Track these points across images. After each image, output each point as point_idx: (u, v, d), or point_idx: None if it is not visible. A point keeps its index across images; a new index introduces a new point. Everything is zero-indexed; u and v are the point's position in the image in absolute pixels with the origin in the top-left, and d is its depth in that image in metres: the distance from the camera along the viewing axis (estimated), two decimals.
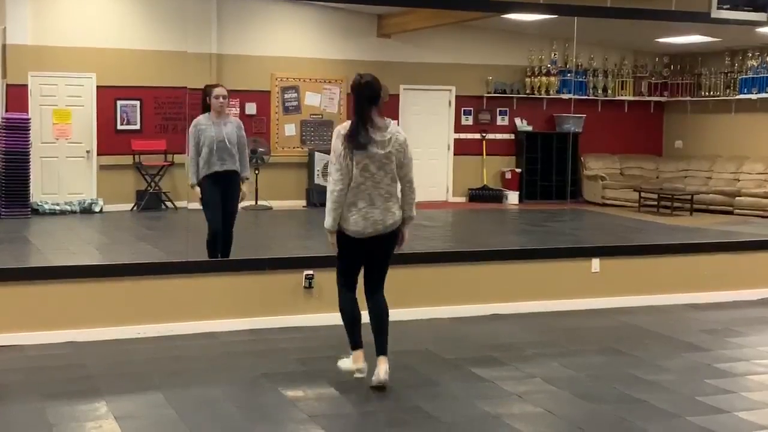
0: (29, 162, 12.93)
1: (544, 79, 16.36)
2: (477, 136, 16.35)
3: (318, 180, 14.71)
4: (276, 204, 14.35)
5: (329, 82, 15.22)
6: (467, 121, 16.31)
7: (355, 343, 5.32)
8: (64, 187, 13.74)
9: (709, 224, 13.30)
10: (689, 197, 14.97)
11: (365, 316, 5.40)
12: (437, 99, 16.08)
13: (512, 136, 16.60)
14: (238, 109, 14.17)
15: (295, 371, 5.65)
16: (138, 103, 14.12)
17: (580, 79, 16.70)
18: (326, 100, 15.29)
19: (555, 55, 16.47)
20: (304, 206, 14.96)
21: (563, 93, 16.49)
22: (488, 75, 16.19)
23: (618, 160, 17.04)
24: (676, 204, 14.90)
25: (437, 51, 15.65)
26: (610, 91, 16.94)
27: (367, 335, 5.34)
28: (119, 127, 14.07)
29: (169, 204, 14.14)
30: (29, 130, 12.95)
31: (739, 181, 15.50)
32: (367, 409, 5.03)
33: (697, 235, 11.79)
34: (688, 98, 16.80)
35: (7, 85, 13.31)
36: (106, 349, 6.11)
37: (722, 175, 15.89)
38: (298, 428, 4.68)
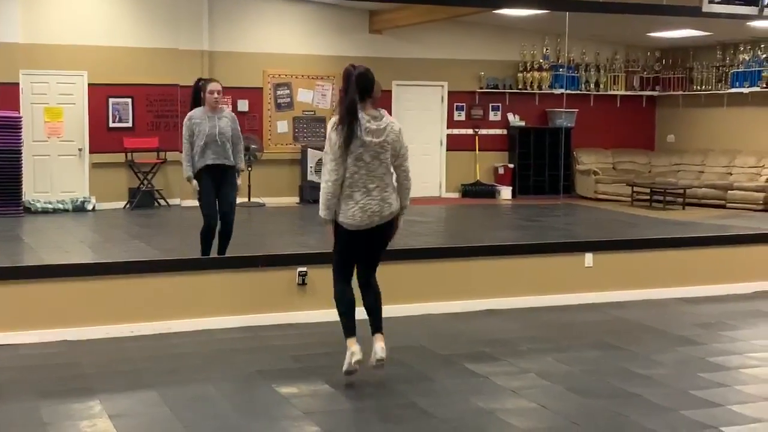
0: (21, 160, 12.89)
1: (536, 74, 16.37)
2: (470, 131, 16.36)
3: (311, 177, 14.70)
4: (269, 201, 14.33)
5: (321, 78, 15.21)
6: (460, 116, 16.31)
7: (350, 330, 5.30)
8: (57, 185, 13.70)
9: (702, 218, 13.33)
10: (682, 191, 15.00)
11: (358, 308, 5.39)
12: (430, 95, 16.07)
13: (505, 132, 16.61)
14: (230, 105, 14.13)
15: (289, 368, 5.65)
16: (130, 100, 14.08)
17: (572, 74, 16.71)
18: (319, 97, 15.28)
19: (547, 50, 16.47)
20: (297, 203, 14.95)
21: (555, 88, 16.50)
22: (480, 70, 16.19)
23: (610, 154, 17.07)
24: (668, 198, 14.93)
25: (429, 47, 15.65)
26: (602, 86, 16.95)
27: (363, 331, 5.34)
28: (111, 124, 14.03)
29: (162, 202, 14.11)
30: (21, 128, 12.91)
31: (731, 174, 15.53)
32: (362, 405, 5.03)
33: (689, 229, 11.82)
34: (680, 92, 16.83)
35: None
36: (100, 347, 6.10)
37: (714, 168, 15.93)
38: (292, 425, 4.68)
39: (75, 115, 13.84)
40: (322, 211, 5.24)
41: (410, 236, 10.09)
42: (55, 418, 4.69)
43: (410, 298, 7.01)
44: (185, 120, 7.90)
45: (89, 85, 13.80)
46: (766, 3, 8.60)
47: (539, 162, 16.40)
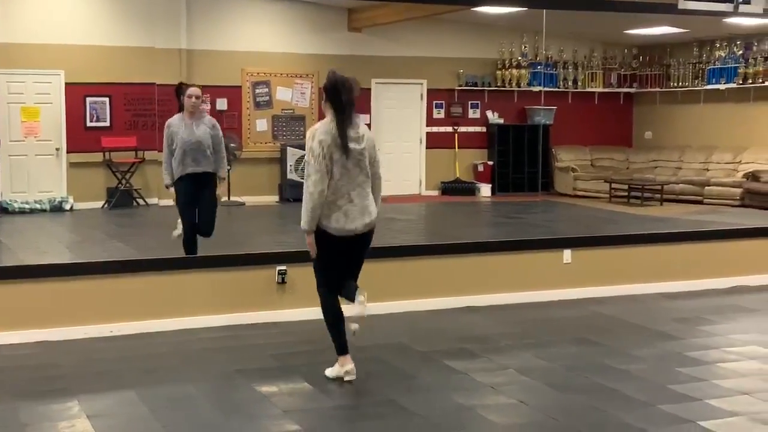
0: None
1: (514, 71, 16.42)
2: (449, 129, 16.38)
3: (291, 175, 14.69)
4: (248, 199, 14.31)
5: (300, 76, 15.19)
6: (439, 114, 16.33)
7: (343, 347, 5.29)
8: (34, 185, 13.62)
9: (679, 214, 13.42)
10: (659, 187, 15.09)
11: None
12: (409, 92, 16.08)
13: (484, 129, 16.65)
14: (209, 104, 14.09)
15: (269, 367, 5.65)
16: (107, 99, 14.00)
17: (551, 72, 16.77)
18: (297, 95, 15.25)
19: (525, 47, 16.52)
20: (276, 201, 14.93)
21: (534, 85, 16.55)
22: (459, 68, 16.22)
23: (589, 151, 17.15)
24: (646, 194, 15.02)
25: (408, 44, 15.66)
26: (580, 83, 17.03)
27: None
28: (89, 124, 13.96)
29: (140, 201, 14.05)
30: None
31: (708, 170, 15.65)
32: (342, 403, 5.04)
33: (667, 224, 11.88)
34: (657, 89, 16.93)
35: None
36: (78, 348, 6.07)
37: (692, 165, 16.04)
38: (272, 423, 4.67)
39: (52, 114, 13.76)
40: (306, 223, 5.14)
41: (390, 234, 10.10)
42: (33, 419, 4.66)
43: (390, 295, 7.01)
44: (165, 127, 7.83)
45: (66, 84, 13.72)
46: (740, 0, 8.66)
47: (518, 159, 16.46)
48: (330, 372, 5.35)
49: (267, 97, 15.10)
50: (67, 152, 13.85)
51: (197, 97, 7.74)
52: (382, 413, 4.81)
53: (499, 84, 16.47)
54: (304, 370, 5.46)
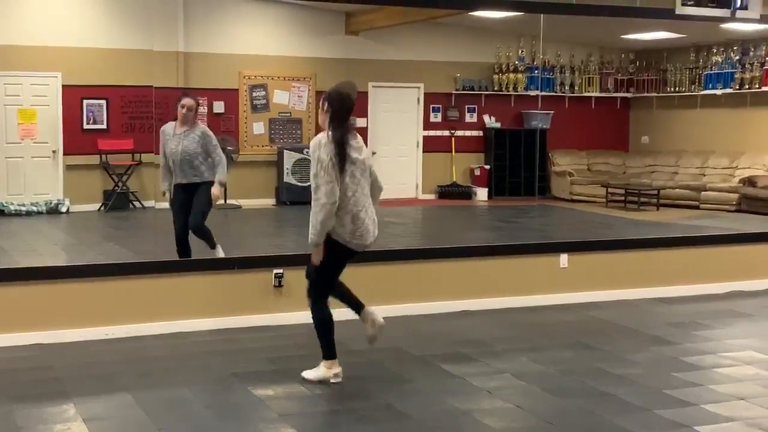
0: None
1: (511, 75, 16.43)
2: (446, 133, 16.39)
3: (287, 178, 14.69)
4: (245, 203, 14.29)
5: (297, 79, 15.19)
6: (436, 118, 16.34)
7: (333, 353, 5.29)
8: (30, 187, 13.59)
9: (676, 219, 13.44)
10: (656, 192, 15.11)
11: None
12: (406, 96, 16.08)
13: (481, 133, 16.66)
14: (206, 108, 14.09)
15: (265, 370, 5.64)
16: (104, 102, 13.98)
17: (548, 76, 16.78)
18: (295, 98, 15.25)
19: (522, 52, 16.54)
20: (273, 204, 14.92)
21: (531, 90, 16.56)
22: (456, 72, 16.23)
23: (585, 156, 17.17)
24: (642, 199, 15.03)
25: (405, 48, 15.66)
26: (576, 88, 17.04)
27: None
28: (85, 126, 13.94)
29: (136, 203, 14.04)
30: None
31: (704, 176, 15.67)
32: (338, 407, 5.03)
33: (663, 229, 11.90)
34: (654, 94, 16.95)
35: None
36: (73, 350, 6.06)
37: (688, 170, 16.06)
38: (268, 427, 4.66)
39: (49, 116, 13.74)
40: (317, 235, 5.07)
41: (387, 238, 10.10)
42: (28, 422, 4.65)
43: (386, 299, 7.00)
44: (160, 132, 7.89)
45: (63, 86, 13.70)
46: (738, 5, 8.68)
47: (515, 163, 16.46)
48: (310, 374, 5.32)
49: (264, 100, 15.09)
50: (64, 154, 13.82)
51: (189, 109, 7.69)
52: (378, 417, 4.81)
53: (496, 88, 16.48)
54: (300, 374, 5.45)
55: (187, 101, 7.72)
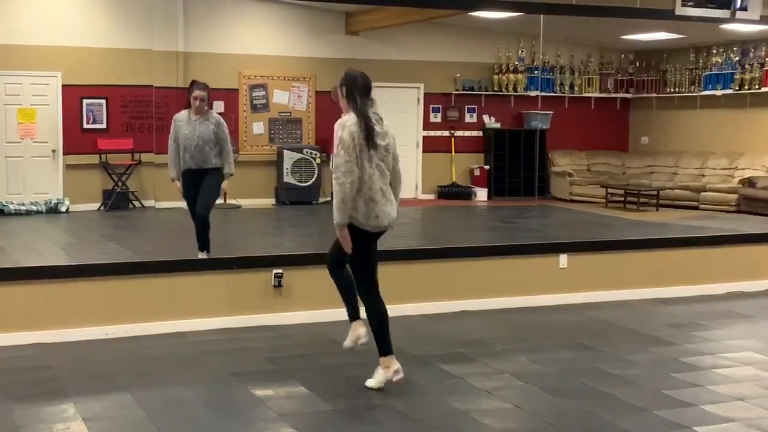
0: None
1: (511, 76, 16.44)
2: (445, 133, 16.40)
3: (287, 178, 14.70)
4: (244, 202, 14.30)
5: (297, 79, 15.19)
6: (436, 118, 16.35)
7: (390, 348, 5.22)
8: (30, 187, 13.60)
9: (675, 219, 13.44)
10: (655, 193, 15.11)
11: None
12: (406, 96, 16.09)
13: (480, 133, 16.67)
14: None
15: (264, 370, 5.64)
16: (104, 101, 13.98)
17: (547, 76, 16.79)
18: (294, 98, 15.25)
19: (522, 52, 16.55)
20: (272, 204, 14.93)
21: (530, 90, 16.57)
22: (456, 72, 16.23)
23: (585, 156, 17.18)
24: (642, 199, 15.03)
25: (405, 48, 15.68)
26: (576, 88, 17.06)
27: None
28: (85, 126, 13.94)
29: (136, 203, 14.05)
30: None
31: (704, 176, 15.67)
32: (337, 407, 5.03)
33: (663, 230, 11.90)
34: (654, 94, 16.96)
35: None
36: (73, 350, 6.06)
37: (687, 170, 16.07)
38: (268, 427, 4.67)
39: (49, 116, 13.74)
40: (340, 216, 5.03)
41: (386, 238, 10.08)
42: (28, 422, 4.65)
43: (386, 299, 6.93)
44: (172, 121, 8.09)
45: (63, 85, 13.70)
46: (738, 6, 8.69)
47: (514, 164, 16.48)
48: (373, 382, 5.23)
49: (264, 100, 15.10)
50: (64, 154, 13.83)
51: (201, 100, 7.93)
52: (378, 417, 4.81)
53: (495, 88, 16.49)
54: (299, 374, 5.46)
55: (198, 93, 7.93)
